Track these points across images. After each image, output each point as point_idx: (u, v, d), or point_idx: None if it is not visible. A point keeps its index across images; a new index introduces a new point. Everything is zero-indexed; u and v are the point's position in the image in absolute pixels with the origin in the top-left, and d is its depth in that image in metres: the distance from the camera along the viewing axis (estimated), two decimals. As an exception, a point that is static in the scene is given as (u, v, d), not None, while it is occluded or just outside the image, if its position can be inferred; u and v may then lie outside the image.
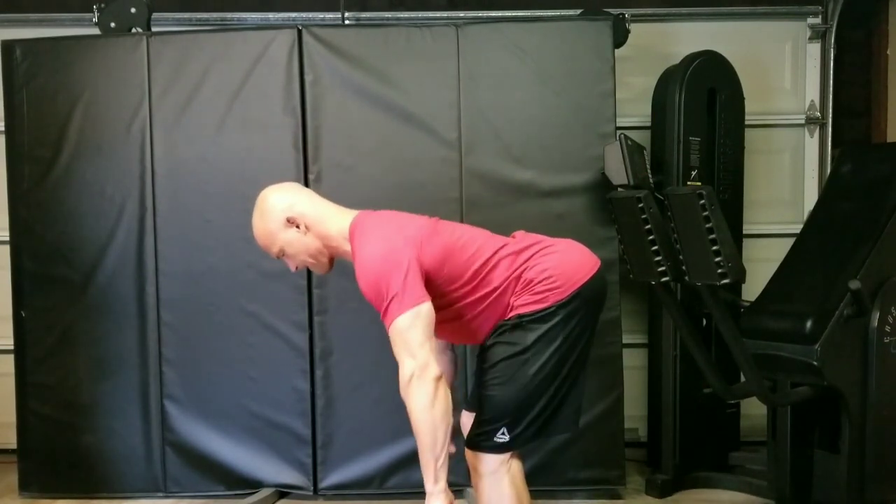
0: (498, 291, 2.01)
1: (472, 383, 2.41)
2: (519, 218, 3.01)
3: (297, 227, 2.06)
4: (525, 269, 2.01)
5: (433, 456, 1.84)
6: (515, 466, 2.02)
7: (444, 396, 1.86)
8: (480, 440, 1.99)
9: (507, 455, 1.99)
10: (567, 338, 1.98)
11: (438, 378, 1.85)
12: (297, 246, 2.08)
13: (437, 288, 1.98)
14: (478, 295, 2.01)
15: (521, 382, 1.95)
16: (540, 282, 1.99)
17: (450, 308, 2.02)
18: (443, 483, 1.86)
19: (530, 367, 1.95)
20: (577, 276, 2.01)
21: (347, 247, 2.04)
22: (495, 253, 2.03)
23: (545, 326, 1.97)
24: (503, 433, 1.96)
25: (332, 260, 2.15)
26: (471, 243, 2.04)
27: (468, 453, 2.03)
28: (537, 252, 2.04)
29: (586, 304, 2.02)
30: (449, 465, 1.89)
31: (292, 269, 2.17)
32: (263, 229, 2.09)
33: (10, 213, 3.29)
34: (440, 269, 1.98)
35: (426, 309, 1.89)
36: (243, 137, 3.17)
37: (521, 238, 2.11)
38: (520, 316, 1.98)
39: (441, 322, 1.98)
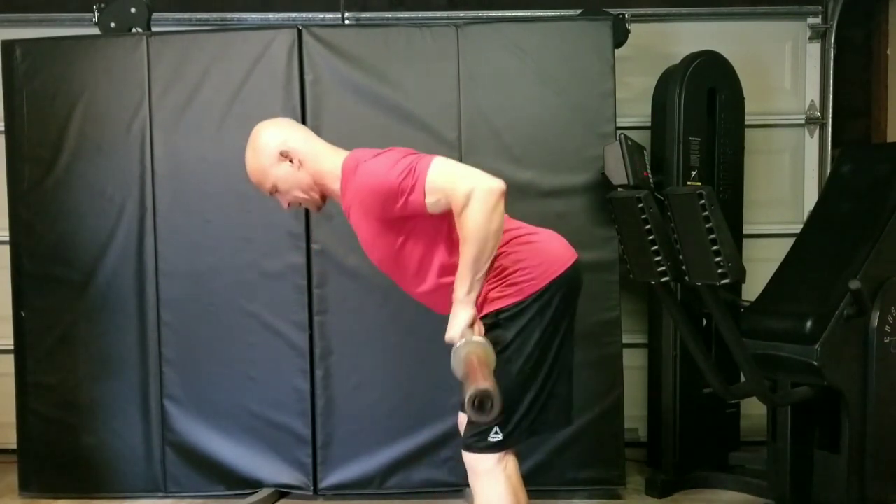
0: (441, 255, 2.00)
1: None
2: (519, 218, 2.99)
3: (290, 161, 2.05)
4: (501, 255, 1.99)
5: (476, 268, 1.85)
6: (511, 465, 2.02)
7: (502, 212, 1.86)
8: (475, 441, 1.99)
9: (502, 454, 1.99)
10: (545, 330, 1.98)
11: (503, 193, 1.85)
12: (290, 181, 2.07)
13: (423, 221, 1.96)
14: (453, 259, 1.98)
15: (506, 380, 1.93)
16: (514, 272, 1.98)
17: (418, 240, 2.00)
18: (474, 295, 1.87)
19: (513, 364, 1.95)
20: (552, 268, 2.01)
21: (337, 186, 2.03)
22: None
23: (522, 321, 1.96)
24: (496, 432, 1.96)
25: (324, 198, 2.13)
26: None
27: (464, 454, 2.03)
28: (515, 238, 2.03)
29: (561, 295, 2.01)
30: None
31: (284, 205, 2.14)
32: (256, 164, 2.08)
33: (10, 213, 3.29)
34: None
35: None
36: (243, 137, 3.10)
37: (507, 220, 2.08)
38: (497, 313, 1.98)
39: (405, 249, 2.00)
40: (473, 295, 1.88)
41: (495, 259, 1.97)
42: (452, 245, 1.99)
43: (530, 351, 1.97)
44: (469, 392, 1.54)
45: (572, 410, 2.11)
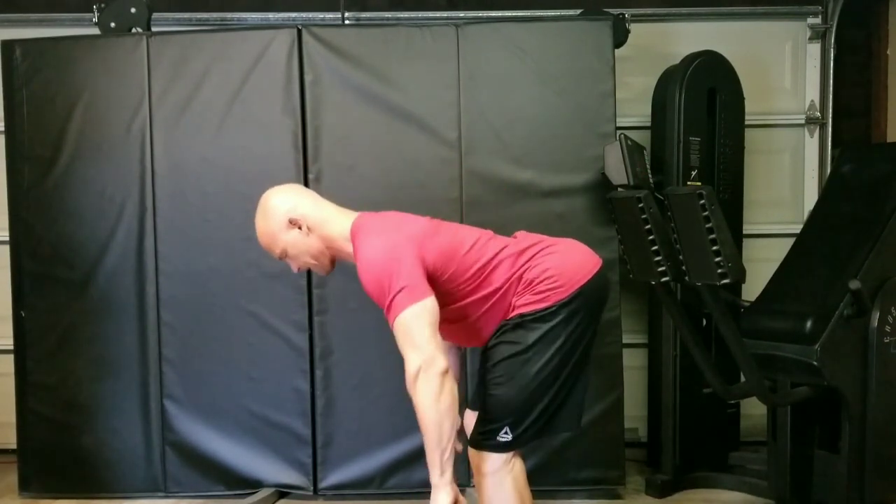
0: (500, 292, 2.01)
1: (473, 382, 2.41)
2: (519, 218, 3.01)
3: (300, 228, 2.07)
4: (526, 270, 2.01)
5: (439, 449, 1.85)
6: (518, 466, 2.02)
7: (450, 390, 1.86)
8: (483, 439, 1.99)
9: (509, 454, 1.99)
10: (569, 337, 1.99)
11: (445, 372, 1.85)
12: (300, 247, 2.09)
13: (440, 287, 1.98)
14: (480, 295, 2.01)
15: (523, 382, 1.95)
16: (541, 281, 1.99)
17: (452, 307, 2.03)
18: (448, 475, 1.87)
19: (532, 366, 1.96)
20: (578, 275, 2.02)
21: (349, 248, 2.05)
22: (497, 254, 2.03)
23: (547, 326, 1.97)
24: (506, 432, 1.96)
25: (333, 261, 2.16)
26: (473, 244, 2.05)
27: (471, 452, 2.04)
28: (539, 252, 2.04)
29: (588, 303, 2.03)
30: (455, 460, 1.90)
31: (294, 270, 2.17)
32: (266, 230, 2.09)
33: (10, 213, 3.29)
34: (442, 269, 1.98)
35: (431, 303, 1.89)
36: (243, 137, 3.17)
37: (523, 238, 2.11)
38: (522, 315, 1.99)
39: (444, 322, 1.99)
40: (448, 476, 1.87)
41: (523, 273, 2.00)
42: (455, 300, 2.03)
43: (550, 356, 1.97)
44: None
45: (582, 416, 2.12)
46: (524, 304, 2.00)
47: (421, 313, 1.88)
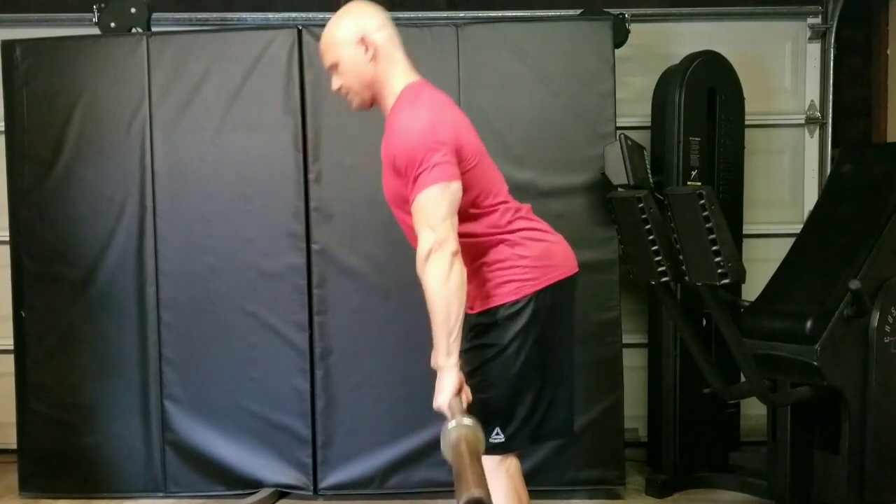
0: (476, 239, 1.97)
1: None
2: (519, 218, 3.01)
3: (366, 50, 1.98)
4: (507, 242, 1.98)
5: (446, 330, 1.83)
6: (514, 466, 2.02)
7: (459, 271, 1.83)
8: None
9: (503, 456, 1.99)
10: (543, 332, 1.97)
11: (455, 253, 1.83)
12: (354, 68, 1.99)
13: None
14: (462, 225, 1.94)
15: (506, 381, 1.94)
16: (513, 267, 1.96)
17: None
18: (455, 358, 1.85)
19: (512, 364, 1.95)
20: (555, 272, 2.00)
21: (390, 103, 2.00)
22: (500, 203, 2.00)
23: (520, 322, 1.95)
24: (497, 433, 1.95)
25: (372, 102, 2.06)
26: (494, 179, 2.02)
27: None
28: (528, 230, 2.01)
29: (559, 301, 2.01)
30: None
31: (334, 87, 2.04)
32: (335, 34, 1.99)
33: (9, 213, 3.29)
34: (467, 176, 1.93)
35: (456, 187, 1.86)
36: (243, 137, 3.17)
37: (527, 212, 2.08)
38: (495, 311, 1.96)
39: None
40: (454, 357, 1.85)
41: (501, 242, 1.97)
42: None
43: (528, 351, 1.96)
44: (461, 500, 1.54)
45: (573, 422, 2.11)
46: (495, 293, 1.97)
47: (444, 194, 1.84)
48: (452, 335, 1.83)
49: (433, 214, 1.83)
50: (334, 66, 2.01)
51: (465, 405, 1.83)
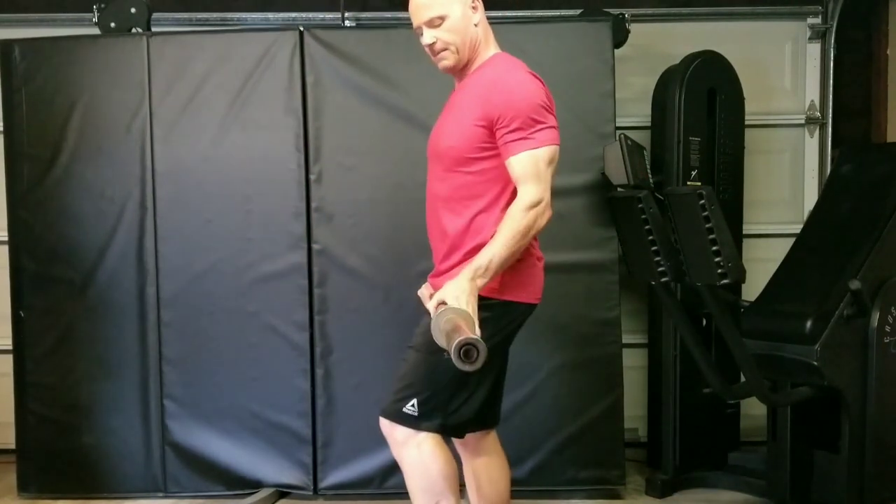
0: (477, 220, 1.99)
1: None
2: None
3: (474, 10, 2.03)
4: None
5: (492, 263, 1.86)
6: (428, 440, 2.01)
7: (535, 233, 1.92)
8: (388, 404, 2.02)
9: (417, 433, 1.99)
10: (503, 341, 2.03)
11: (548, 220, 1.92)
12: (462, 24, 2.01)
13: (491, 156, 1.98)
14: (479, 196, 1.99)
15: (439, 359, 1.89)
16: (523, 269, 2.01)
17: (471, 197, 2.01)
18: (485, 280, 1.87)
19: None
20: (530, 296, 2.04)
21: (482, 60, 2.05)
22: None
23: (484, 315, 1.92)
24: (412, 406, 1.98)
25: (467, 64, 2.07)
26: None
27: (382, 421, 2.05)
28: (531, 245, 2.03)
29: (519, 320, 2.05)
30: None
31: (427, 41, 2.04)
32: None
33: (9, 214, 3.29)
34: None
35: (557, 153, 1.96)
36: (244, 138, 3.17)
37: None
38: (489, 302, 1.96)
39: (434, 181, 2.07)
40: (483, 281, 1.86)
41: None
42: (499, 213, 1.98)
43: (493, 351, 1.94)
44: (456, 341, 1.58)
45: (499, 416, 2.17)
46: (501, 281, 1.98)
47: (555, 158, 1.95)
48: (492, 271, 1.86)
49: (545, 173, 1.92)
50: (439, 20, 2.00)
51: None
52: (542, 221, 1.91)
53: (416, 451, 1.99)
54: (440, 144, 2.06)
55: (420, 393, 1.97)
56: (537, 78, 2.00)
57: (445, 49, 2.03)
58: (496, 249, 1.86)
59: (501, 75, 1.97)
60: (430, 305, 1.85)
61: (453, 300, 1.78)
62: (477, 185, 1.99)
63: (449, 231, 2.04)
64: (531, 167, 1.90)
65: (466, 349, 1.58)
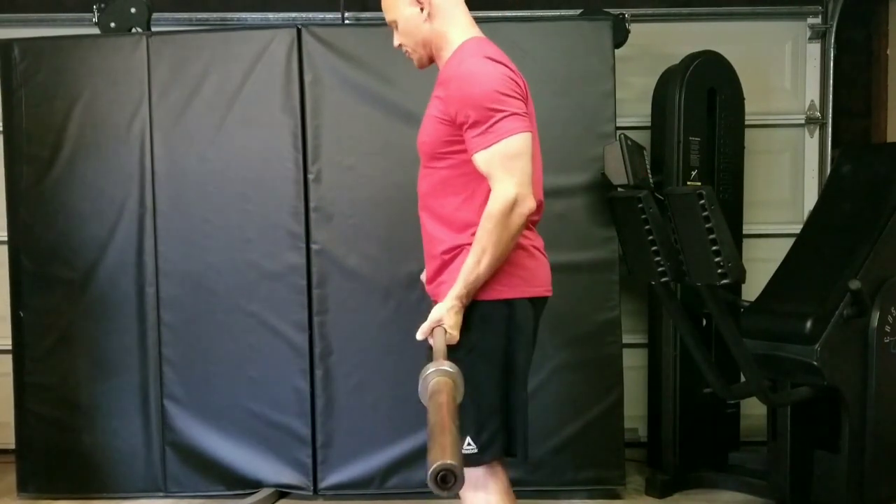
0: (457, 215, 1.92)
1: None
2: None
3: (421, 9, 1.97)
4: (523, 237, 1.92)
5: (476, 273, 1.80)
6: (499, 480, 1.90)
7: (519, 233, 1.82)
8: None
9: (482, 469, 1.86)
10: (510, 344, 1.90)
11: (529, 215, 1.81)
12: (410, 26, 2.00)
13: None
14: (455, 193, 1.91)
15: (477, 384, 1.82)
16: (499, 270, 1.88)
17: (442, 166, 1.94)
18: (465, 301, 1.82)
19: (483, 366, 1.86)
20: (535, 289, 1.94)
21: (447, 55, 1.97)
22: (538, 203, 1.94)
23: (490, 325, 1.88)
24: (469, 443, 1.84)
25: (431, 60, 2.05)
26: (538, 169, 1.96)
27: None
28: (522, 244, 1.92)
29: (529, 318, 1.93)
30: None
31: (395, 44, 2.07)
32: None
33: (8, 213, 3.29)
34: None
35: (530, 140, 1.83)
36: (243, 137, 3.17)
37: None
38: (470, 310, 1.87)
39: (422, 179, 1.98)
40: (464, 301, 1.81)
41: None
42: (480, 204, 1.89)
43: (501, 356, 1.88)
44: (433, 465, 1.48)
45: (528, 448, 1.99)
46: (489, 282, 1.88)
47: (527, 145, 1.80)
48: (479, 281, 1.81)
49: (518, 165, 1.79)
50: (395, 24, 2.03)
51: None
52: (522, 211, 1.78)
53: (483, 494, 1.88)
54: (418, 140, 2.04)
55: (474, 431, 1.85)
56: (498, 61, 1.88)
57: (408, 51, 2.06)
58: (472, 259, 1.80)
59: (455, 67, 1.91)
60: (424, 329, 1.82)
61: (439, 333, 1.76)
62: (453, 179, 1.93)
63: (429, 228, 2.00)
64: (496, 162, 1.79)
65: (444, 475, 1.42)
